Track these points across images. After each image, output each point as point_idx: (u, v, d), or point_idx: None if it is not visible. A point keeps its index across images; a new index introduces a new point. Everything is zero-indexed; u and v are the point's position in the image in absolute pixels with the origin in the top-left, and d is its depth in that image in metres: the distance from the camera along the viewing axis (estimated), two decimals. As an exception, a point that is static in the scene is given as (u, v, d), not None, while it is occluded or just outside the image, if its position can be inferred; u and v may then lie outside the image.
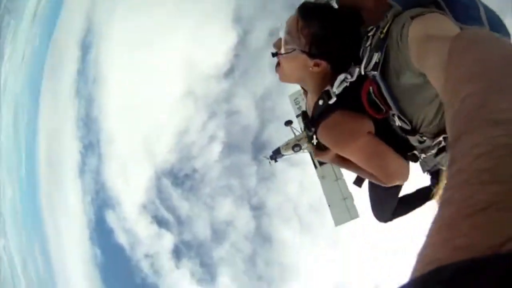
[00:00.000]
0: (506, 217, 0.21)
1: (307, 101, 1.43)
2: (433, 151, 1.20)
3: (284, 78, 1.29)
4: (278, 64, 1.25)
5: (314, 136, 1.27)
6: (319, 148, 1.34)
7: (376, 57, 1.05)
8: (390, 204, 1.86)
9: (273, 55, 1.26)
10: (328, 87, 1.17)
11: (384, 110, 1.12)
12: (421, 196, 1.97)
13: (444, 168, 1.39)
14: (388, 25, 1.03)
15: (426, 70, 0.79)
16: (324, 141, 1.24)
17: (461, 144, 0.33)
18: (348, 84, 1.14)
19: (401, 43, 0.96)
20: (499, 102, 0.35)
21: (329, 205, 9.37)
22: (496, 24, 1.04)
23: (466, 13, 1.00)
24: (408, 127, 1.14)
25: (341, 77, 1.15)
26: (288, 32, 1.17)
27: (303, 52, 1.16)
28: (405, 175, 1.29)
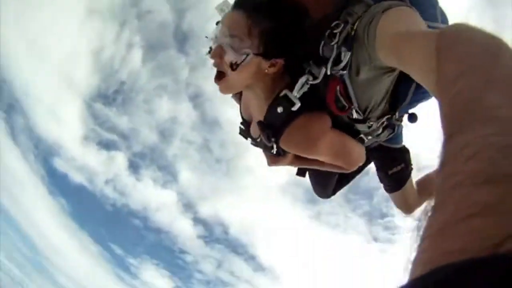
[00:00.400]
0: (501, 218, 0.21)
1: (247, 106, 1.31)
2: (378, 132, 1.24)
3: (229, 90, 1.14)
4: (219, 75, 1.07)
5: (275, 145, 1.17)
6: (277, 154, 1.25)
7: (347, 56, 0.98)
8: (331, 184, 1.84)
9: (219, 74, 1.06)
10: (285, 91, 1.07)
11: (347, 107, 1.09)
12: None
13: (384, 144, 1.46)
14: (357, 20, 0.97)
15: (405, 66, 0.77)
16: (289, 148, 1.17)
17: (452, 144, 0.32)
18: (308, 87, 1.05)
19: (367, 37, 0.91)
20: (489, 99, 0.35)
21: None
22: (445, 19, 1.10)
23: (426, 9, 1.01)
24: (361, 117, 1.15)
25: (302, 79, 1.04)
26: (234, 35, 1.00)
27: (257, 54, 1.01)
28: (364, 157, 1.30)
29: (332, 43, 1.00)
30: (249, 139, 1.37)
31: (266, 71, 1.04)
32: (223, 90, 1.11)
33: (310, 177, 1.86)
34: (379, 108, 1.15)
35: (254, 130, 1.28)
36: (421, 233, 0.26)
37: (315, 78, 1.03)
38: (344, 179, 1.90)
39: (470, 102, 0.36)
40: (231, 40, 0.99)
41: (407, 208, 1.75)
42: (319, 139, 1.12)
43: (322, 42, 1.02)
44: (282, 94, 1.07)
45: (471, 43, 0.52)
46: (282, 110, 1.08)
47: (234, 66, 1.00)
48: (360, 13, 0.97)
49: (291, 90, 1.06)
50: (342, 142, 1.21)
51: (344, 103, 1.07)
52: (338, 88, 1.04)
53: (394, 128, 1.32)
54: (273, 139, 1.14)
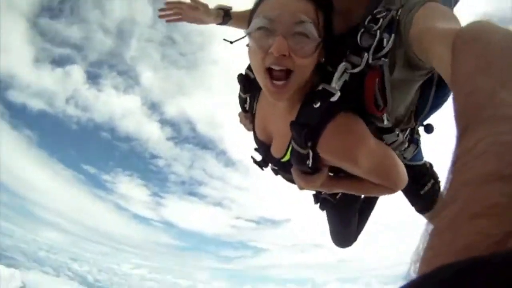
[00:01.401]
0: (506, 217, 0.21)
1: (265, 124, 1.19)
2: (405, 146, 1.15)
3: (291, 89, 0.95)
4: (286, 74, 0.92)
5: (311, 153, 0.99)
6: (312, 169, 1.05)
7: (390, 41, 0.91)
8: (354, 223, 1.67)
9: (284, 73, 0.92)
10: (322, 85, 0.96)
11: (382, 107, 0.96)
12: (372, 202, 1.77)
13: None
14: (400, 8, 0.94)
15: (432, 60, 0.76)
16: (328, 153, 0.99)
17: (465, 141, 0.32)
18: (348, 77, 0.95)
19: (405, 25, 0.89)
20: (503, 97, 0.35)
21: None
22: None
23: None
24: (390, 125, 1.04)
25: (341, 67, 0.95)
26: (305, 21, 0.89)
27: (321, 43, 0.92)
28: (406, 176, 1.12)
29: (375, 28, 0.95)
30: (268, 166, 1.27)
31: (322, 56, 0.96)
32: (288, 91, 0.94)
33: (329, 216, 1.66)
34: (404, 119, 1.10)
35: (277, 148, 1.14)
36: (430, 229, 0.26)
37: (354, 66, 0.95)
38: (364, 217, 1.71)
39: (483, 100, 0.36)
40: (307, 26, 0.89)
41: None
42: (362, 141, 0.98)
43: (361, 30, 0.97)
44: (319, 88, 0.96)
45: (488, 41, 0.51)
46: (319, 105, 0.95)
47: (309, 55, 0.91)
48: (402, 1, 0.95)
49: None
50: (385, 151, 1.05)
51: (381, 101, 0.95)
52: (377, 81, 0.94)
53: (417, 143, 1.26)
54: (309, 143, 0.97)
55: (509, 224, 0.20)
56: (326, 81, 0.97)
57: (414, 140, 1.23)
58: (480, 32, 0.56)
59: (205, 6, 1.42)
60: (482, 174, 0.25)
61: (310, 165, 1.01)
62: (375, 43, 0.94)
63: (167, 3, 1.43)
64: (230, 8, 1.49)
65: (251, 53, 0.98)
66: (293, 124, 0.99)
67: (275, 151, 1.16)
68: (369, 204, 1.73)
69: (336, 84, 0.94)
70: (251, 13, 0.99)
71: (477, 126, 0.32)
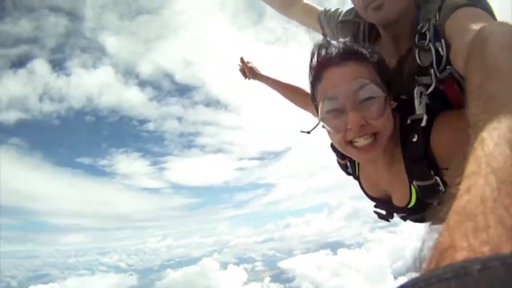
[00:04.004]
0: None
1: (373, 182, 1.21)
2: None
3: (382, 147, 0.96)
4: (374, 139, 0.94)
5: (439, 180, 0.97)
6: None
7: (444, 47, 0.94)
8: None
9: (372, 137, 0.94)
10: (410, 119, 0.97)
11: None
12: None
13: None
14: (437, 13, 0.97)
15: (455, 64, 0.82)
16: (449, 154, 0.93)
17: (482, 128, 0.35)
18: (427, 99, 0.97)
19: (444, 30, 0.93)
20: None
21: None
22: None
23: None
24: None
25: (417, 92, 0.96)
26: (366, 84, 0.91)
27: (386, 93, 0.94)
28: None
29: (426, 43, 0.98)
30: (394, 216, 1.26)
31: (392, 102, 1.00)
32: (377, 148, 0.95)
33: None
34: None
35: (399, 198, 1.14)
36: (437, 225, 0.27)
37: (427, 87, 0.98)
38: None
39: (495, 107, 0.39)
40: (368, 88, 0.91)
41: None
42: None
43: (417, 51, 1.01)
44: (408, 123, 0.99)
45: (498, 46, 0.54)
46: (417, 138, 0.96)
47: (383, 114, 0.92)
48: (436, 6, 0.98)
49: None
50: None
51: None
52: (456, 88, 0.96)
53: None
54: (432, 171, 0.97)
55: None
56: (410, 111, 0.99)
57: None
58: (491, 37, 0.59)
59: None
60: (506, 165, 0.27)
61: (443, 189, 1.00)
62: (434, 57, 0.96)
63: None
64: None
65: (330, 135, 1.02)
66: (408, 167, 1.01)
67: (399, 202, 1.15)
68: None
69: (419, 109, 0.96)
70: (311, 88, 1.04)
71: (493, 118, 0.35)
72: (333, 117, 0.95)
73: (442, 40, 0.94)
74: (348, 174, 1.33)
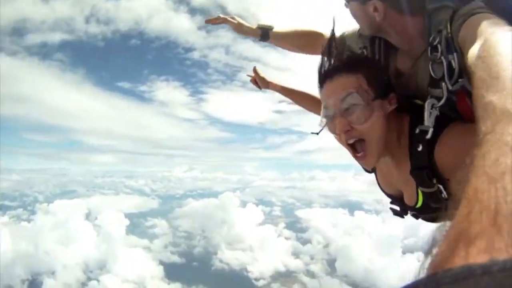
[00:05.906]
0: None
1: (388, 182, 1.28)
2: None
3: (374, 155, 1.07)
4: (360, 145, 1.06)
5: (441, 187, 1.03)
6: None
7: (456, 60, 0.95)
8: None
9: (358, 144, 1.06)
10: (417, 129, 1.02)
11: None
12: None
13: None
14: (447, 24, 0.97)
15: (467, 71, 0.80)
16: (453, 161, 0.96)
17: (490, 137, 0.36)
18: (438, 111, 1.00)
19: (457, 38, 0.94)
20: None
21: None
22: None
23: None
24: None
25: (428, 104, 1.00)
26: (350, 93, 1.03)
27: (376, 98, 1.05)
28: None
29: (438, 56, 1.00)
30: (408, 213, 1.31)
31: (388, 107, 1.08)
32: (370, 157, 1.07)
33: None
34: None
35: (409, 197, 1.21)
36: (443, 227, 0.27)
37: (439, 99, 1.01)
38: None
39: (502, 122, 0.39)
40: (350, 98, 1.03)
41: None
42: (469, 134, 1.00)
43: (430, 63, 1.03)
44: (416, 131, 1.03)
45: (503, 54, 0.54)
46: (421, 148, 1.01)
47: (367, 119, 1.02)
48: (447, 17, 0.98)
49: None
50: None
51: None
52: (467, 100, 0.96)
53: None
54: (434, 180, 1.03)
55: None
56: (421, 118, 1.03)
57: None
58: (497, 45, 0.59)
59: (238, 24, 1.71)
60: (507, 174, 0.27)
61: (446, 197, 1.05)
62: (445, 70, 0.98)
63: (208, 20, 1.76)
64: (270, 28, 1.63)
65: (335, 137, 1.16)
66: (412, 173, 1.07)
67: (408, 200, 1.23)
68: None
69: (428, 121, 1.00)
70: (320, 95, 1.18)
71: (503, 124, 0.37)
72: (328, 122, 1.12)
73: (455, 54, 0.95)
74: (366, 170, 1.40)
